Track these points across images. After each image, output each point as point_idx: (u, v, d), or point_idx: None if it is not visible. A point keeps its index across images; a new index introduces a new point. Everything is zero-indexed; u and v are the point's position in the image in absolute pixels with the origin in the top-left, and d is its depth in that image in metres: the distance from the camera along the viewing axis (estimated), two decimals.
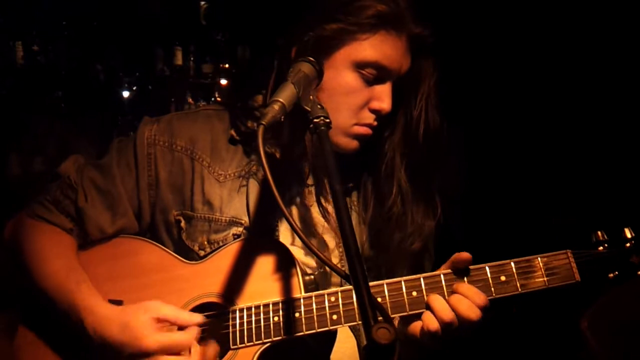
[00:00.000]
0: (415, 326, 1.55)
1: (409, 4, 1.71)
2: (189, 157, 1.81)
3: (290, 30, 1.75)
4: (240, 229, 1.76)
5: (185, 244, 1.77)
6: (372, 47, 1.68)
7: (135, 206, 1.82)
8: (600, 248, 1.54)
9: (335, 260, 1.78)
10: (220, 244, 1.74)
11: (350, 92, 1.70)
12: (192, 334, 1.59)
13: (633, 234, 1.54)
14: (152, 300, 1.62)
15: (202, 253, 1.75)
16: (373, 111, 1.72)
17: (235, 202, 1.78)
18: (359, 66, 1.69)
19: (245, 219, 1.77)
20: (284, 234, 1.75)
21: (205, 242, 1.76)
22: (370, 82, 1.71)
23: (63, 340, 1.71)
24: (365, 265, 1.79)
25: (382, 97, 1.71)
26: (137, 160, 1.82)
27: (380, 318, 1.07)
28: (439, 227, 1.85)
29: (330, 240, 1.79)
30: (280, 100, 1.40)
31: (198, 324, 1.61)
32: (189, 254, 1.76)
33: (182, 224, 1.78)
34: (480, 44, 3.01)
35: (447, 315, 1.49)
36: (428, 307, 1.52)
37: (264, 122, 1.35)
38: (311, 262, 1.75)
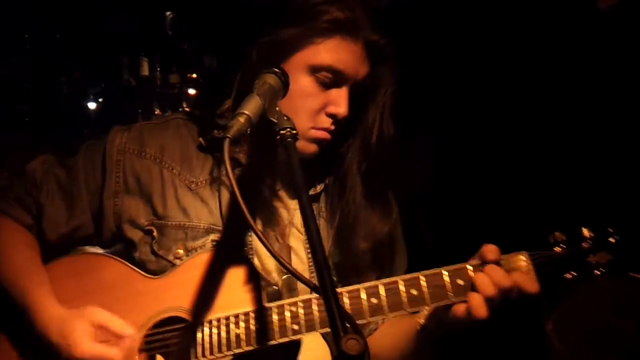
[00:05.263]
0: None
1: (366, 13, 1.76)
2: (159, 165, 1.82)
3: (252, 36, 1.78)
4: (219, 235, 1.77)
5: (158, 254, 1.76)
6: (327, 52, 1.72)
7: (96, 209, 1.83)
8: (557, 249, 1.54)
9: (304, 267, 1.80)
10: (199, 250, 1.74)
11: (306, 96, 1.73)
12: (125, 347, 1.60)
13: (592, 234, 1.52)
14: (91, 307, 1.64)
15: (177, 262, 1.74)
16: (330, 115, 1.75)
17: (209, 210, 1.79)
18: (314, 70, 1.73)
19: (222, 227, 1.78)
20: (257, 242, 1.75)
21: (181, 251, 1.75)
22: (326, 86, 1.74)
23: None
24: (335, 272, 1.83)
25: (338, 101, 1.74)
26: (106, 166, 1.83)
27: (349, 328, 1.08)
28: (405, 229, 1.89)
29: (300, 248, 1.81)
30: (246, 112, 1.42)
31: (131, 337, 1.62)
32: (161, 264, 1.75)
33: (154, 233, 1.78)
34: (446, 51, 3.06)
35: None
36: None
37: (229, 135, 1.37)
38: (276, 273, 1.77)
